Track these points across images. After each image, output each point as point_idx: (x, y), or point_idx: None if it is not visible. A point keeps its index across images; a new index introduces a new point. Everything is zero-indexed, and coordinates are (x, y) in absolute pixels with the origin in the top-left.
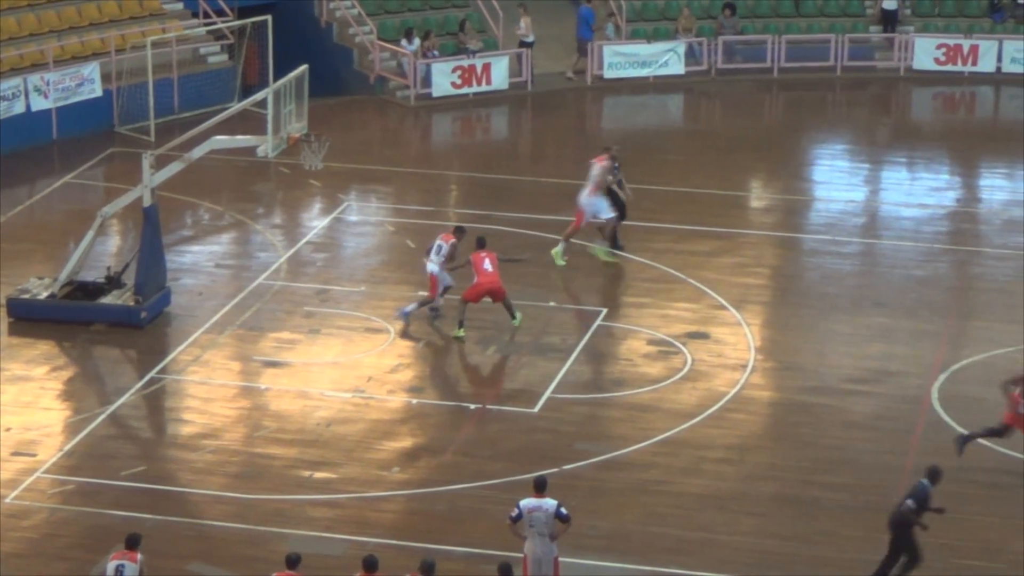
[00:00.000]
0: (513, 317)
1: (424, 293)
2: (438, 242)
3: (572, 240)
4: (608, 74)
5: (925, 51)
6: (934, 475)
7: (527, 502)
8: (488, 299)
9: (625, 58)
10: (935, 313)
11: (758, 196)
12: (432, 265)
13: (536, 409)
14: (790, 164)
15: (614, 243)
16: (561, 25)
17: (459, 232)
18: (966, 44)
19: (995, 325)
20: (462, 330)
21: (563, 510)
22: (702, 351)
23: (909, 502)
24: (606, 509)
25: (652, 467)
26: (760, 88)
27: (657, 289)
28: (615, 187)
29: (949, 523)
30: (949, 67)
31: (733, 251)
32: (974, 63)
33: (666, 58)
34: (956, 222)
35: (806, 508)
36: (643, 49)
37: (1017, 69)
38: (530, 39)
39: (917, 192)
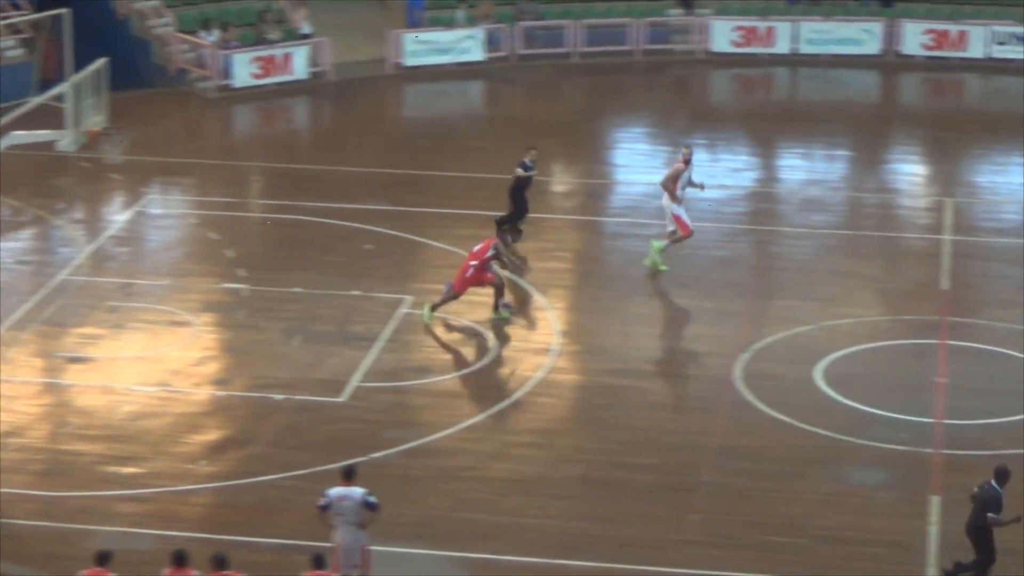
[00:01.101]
0: (431, 309)
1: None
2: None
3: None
4: (409, 61)
5: (722, 33)
6: (1001, 476)
7: (335, 491)
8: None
9: (425, 45)
10: (737, 293)
11: (560, 181)
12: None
13: (343, 398)
14: (591, 148)
15: (509, 234)
16: (362, 14)
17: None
18: (762, 26)
19: (795, 303)
20: (504, 311)
21: (370, 498)
22: (507, 336)
23: (991, 515)
24: (414, 496)
25: (459, 453)
26: (560, 73)
27: None
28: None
29: (752, 499)
30: (746, 49)
31: (536, 236)
32: (770, 45)
33: (466, 45)
34: (756, 202)
35: (613, 490)
36: (443, 36)
37: (813, 50)
38: (306, 30)
39: (717, 173)
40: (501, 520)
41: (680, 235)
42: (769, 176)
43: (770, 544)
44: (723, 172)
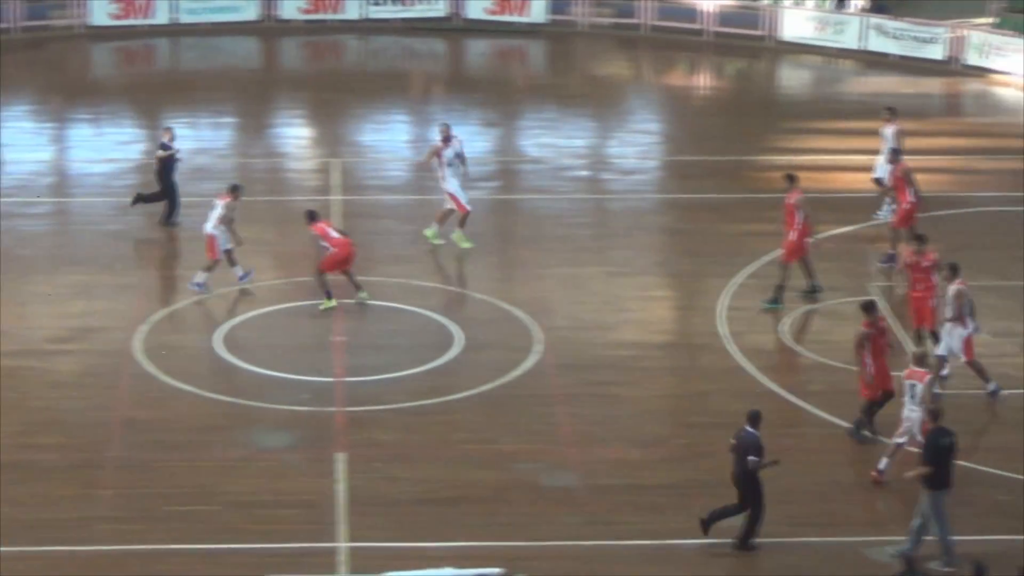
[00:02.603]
0: (360, 290)
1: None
2: (215, 201)
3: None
4: None
5: (101, 7)
6: (754, 420)
7: None
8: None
9: None
10: (132, 266)
11: None
12: (208, 225)
13: None
14: None
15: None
16: None
17: (234, 191)
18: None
19: (191, 272)
20: (333, 301)
21: None
22: None
23: (752, 458)
24: None
25: None
26: None
27: None
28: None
29: (161, 471)
30: (125, 21)
31: None
32: (150, 16)
33: None
34: (145, 174)
35: (20, 472)
36: None
37: (192, 19)
38: None
39: (104, 147)
40: None
41: (457, 213)
42: (157, 147)
43: (181, 514)
44: (110, 146)
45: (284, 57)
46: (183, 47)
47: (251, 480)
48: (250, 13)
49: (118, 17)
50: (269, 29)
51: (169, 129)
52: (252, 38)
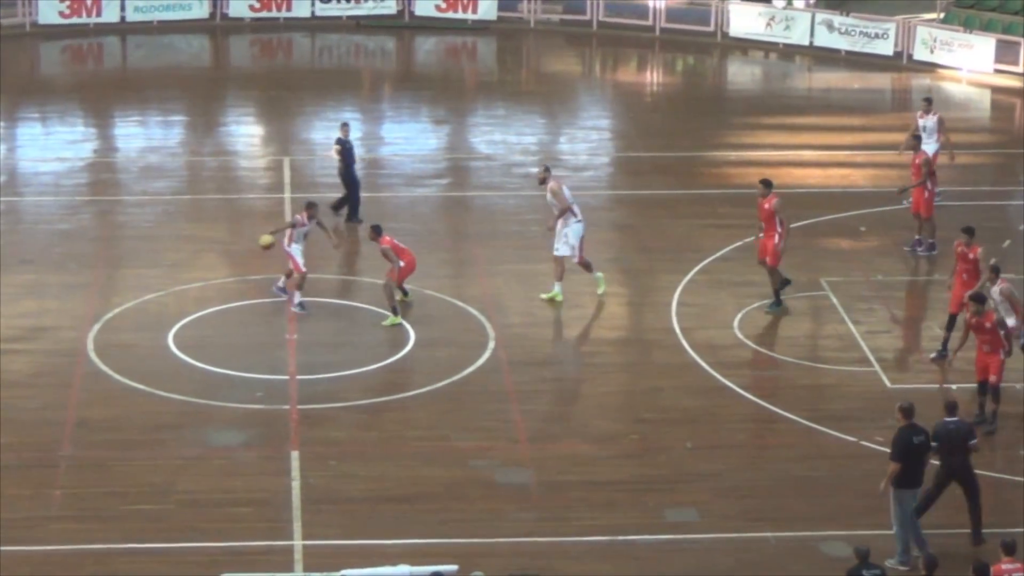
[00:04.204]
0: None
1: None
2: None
3: None
4: None
5: (50, 5)
6: (952, 409)
7: None
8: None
9: None
10: (83, 265)
11: None
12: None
13: None
14: None
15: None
16: None
17: (309, 207)
18: None
19: (142, 271)
20: (398, 318)
21: None
22: None
23: (973, 442)
24: None
25: None
26: None
27: None
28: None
29: (114, 470)
30: (74, 20)
31: None
32: (98, 14)
33: None
34: (96, 173)
35: None
36: None
37: (140, 17)
38: None
39: (54, 146)
40: None
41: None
42: (107, 146)
43: (135, 513)
44: (60, 145)
45: (234, 55)
46: (132, 45)
47: (205, 478)
48: (200, 11)
49: (67, 16)
50: (218, 27)
51: (346, 125)
52: (201, 36)
